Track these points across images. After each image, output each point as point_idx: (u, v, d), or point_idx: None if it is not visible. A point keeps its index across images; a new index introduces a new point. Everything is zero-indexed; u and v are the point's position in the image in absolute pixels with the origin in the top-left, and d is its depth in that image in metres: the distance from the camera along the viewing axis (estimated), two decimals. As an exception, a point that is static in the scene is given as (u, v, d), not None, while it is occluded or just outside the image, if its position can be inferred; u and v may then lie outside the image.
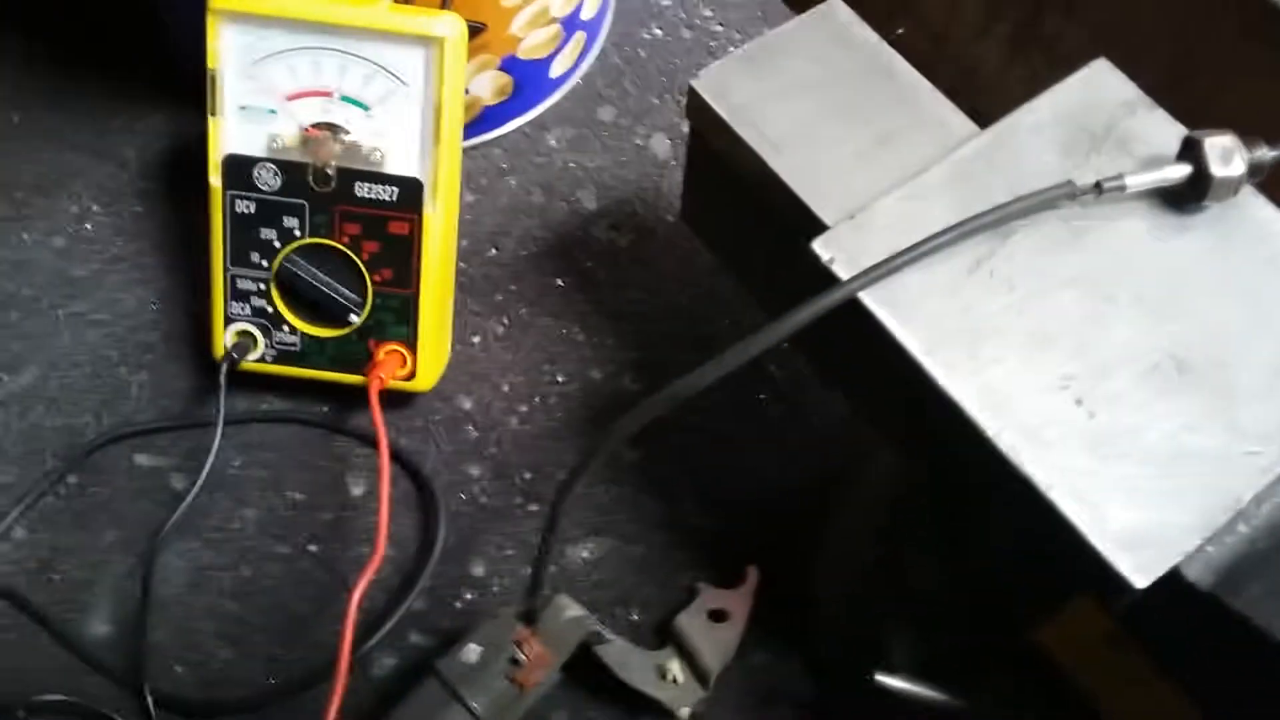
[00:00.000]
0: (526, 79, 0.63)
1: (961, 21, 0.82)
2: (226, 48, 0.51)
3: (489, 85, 0.61)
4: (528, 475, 0.57)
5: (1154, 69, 0.68)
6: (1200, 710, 0.41)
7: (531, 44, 0.61)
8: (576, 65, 0.66)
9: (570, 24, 0.63)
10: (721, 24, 0.70)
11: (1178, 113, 0.68)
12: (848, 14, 0.50)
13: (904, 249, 0.41)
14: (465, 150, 0.64)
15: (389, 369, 0.54)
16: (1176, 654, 0.40)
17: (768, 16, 0.70)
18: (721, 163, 0.49)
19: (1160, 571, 0.36)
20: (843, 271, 0.41)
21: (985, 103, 0.81)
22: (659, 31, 0.70)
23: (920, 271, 0.41)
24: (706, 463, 0.58)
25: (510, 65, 0.61)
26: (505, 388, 0.59)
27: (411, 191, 0.52)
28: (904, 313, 0.41)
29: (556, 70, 0.64)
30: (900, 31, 0.85)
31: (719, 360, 0.41)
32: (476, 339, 0.60)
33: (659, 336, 0.61)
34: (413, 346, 0.54)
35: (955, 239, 0.41)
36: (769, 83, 0.48)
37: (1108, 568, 0.37)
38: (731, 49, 0.69)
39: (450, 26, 0.51)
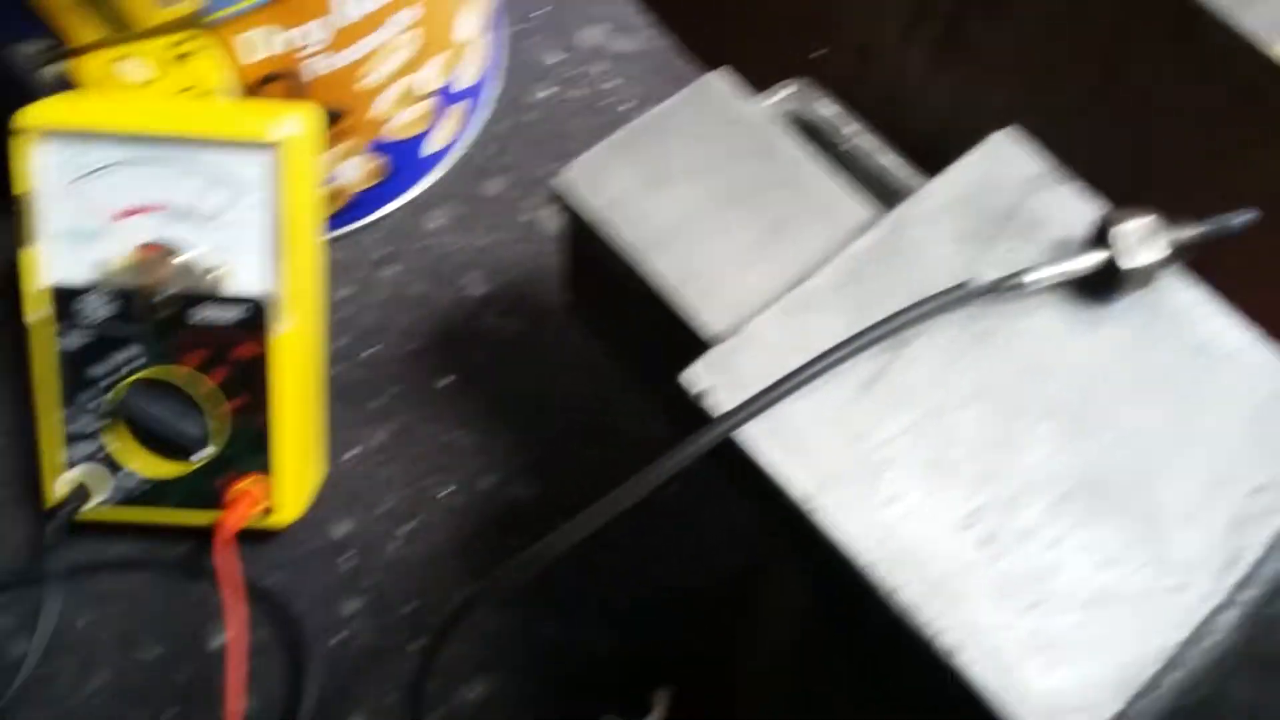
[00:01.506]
0: (400, 159, 0.58)
1: (884, 33, 0.78)
2: (39, 167, 0.46)
3: (358, 170, 0.56)
4: (411, 607, 0.52)
5: (1085, 75, 0.65)
6: None
7: (401, 123, 0.56)
8: (457, 138, 0.61)
9: (446, 97, 0.57)
10: (616, 79, 0.65)
11: (1108, 118, 0.66)
12: (728, 86, 0.45)
13: (785, 375, 0.36)
14: (338, 240, 0.60)
15: (242, 509, 0.48)
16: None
17: (666, 68, 0.65)
18: (598, 265, 0.44)
19: (1086, 741, 0.32)
20: (717, 406, 0.36)
21: (914, 119, 0.78)
22: (549, 92, 0.65)
23: (806, 398, 0.36)
24: (608, 574, 0.53)
25: (380, 147, 0.56)
26: (385, 507, 0.54)
27: (258, 311, 0.47)
28: (787, 449, 0.36)
29: (433, 146, 0.59)
30: (823, 52, 0.82)
31: (584, 516, 0.36)
32: (353, 453, 0.55)
33: (556, 432, 0.56)
34: (271, 478, 0.49)
35: (843, 357, 0.36)
36: (644, 172, 0.43)
37: (1027, 738, 0.32)
38: (623, 108, 0.64)
39: (294, 124, 0.46)
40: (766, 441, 0.36)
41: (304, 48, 0.48)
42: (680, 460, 0.35)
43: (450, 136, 0.61)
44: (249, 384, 0.48)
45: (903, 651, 0.37)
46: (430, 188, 0.61)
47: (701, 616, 0.52)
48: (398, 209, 0.61)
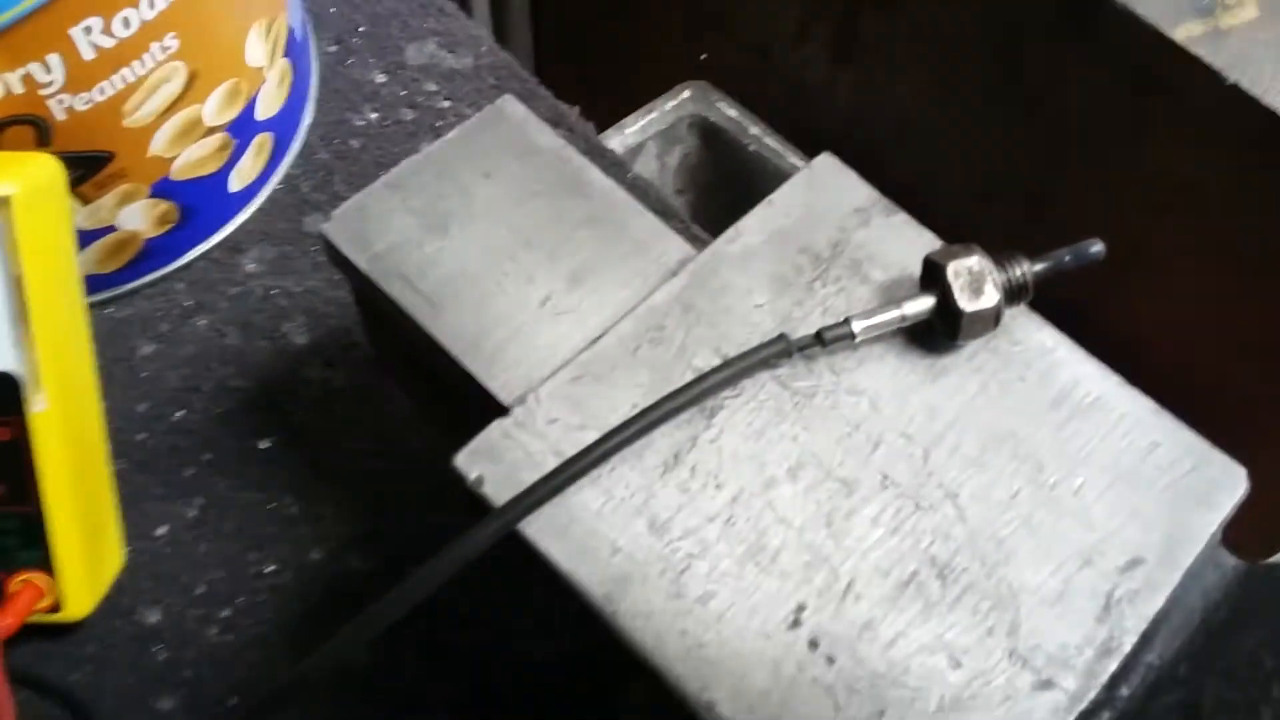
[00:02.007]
0: (197, 200, 0.52)
1: (779, 32, 0.75)
2: None
3: (143, 216, 0.50)
4: (233, 701, 0.46)
5: (981, 65, 0.62)
6: None
7: (189, 161, 0.50)
8: (268, 172, 0.55)
9: (243, 128, 0.51)
10: (449, 98, 0.59)
11: (1009, 112, 0.63)
12: (522, 112, 0.40)
13: (572, 457, 0.31)
14: (139, 291, 0.53)
15: (21, 605, 0.43)
16: None
17: (504, 86, 0.60)
18: (385, 320, 0.38)
19: None
20: (496, 495, 0.31)
21: (816, 118, 0.74)
22: (375, 115, 0.59)
23: (599, 482, 0.31)
24: (464, 656, 0.47)
25: (167, 189, 0.50)
26: (201, 589, 0.48)
27: (7, 389, 0.41)
28: (578, 544, 0.31)
29: (239, 182, 0.53)
30: (704, 57, 0.78)
31: (342, 635, 0.31)
32: (162, 530, 0.49)
33: (391, 496, 0.50)
34: (51, 571, 0.43)
35: (641, 431, 0.31)
36: (426, 215, 0.38)
37: None
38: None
39: (21, 179, 0.40)
40: (553, 539, 0.31)
41: (44, 86, 0.42)
42: (457, 558, 0.30)
43: (258, 171, 0.54)
44: (9, 471, 0.42)
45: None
46: (242, 227, 0.55)
47: (572, 701, 0.46)
48: (205, 253, 0.54)
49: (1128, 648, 0.29)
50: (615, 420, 0.31)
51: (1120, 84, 0.56)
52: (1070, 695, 0.29)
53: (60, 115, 0.44)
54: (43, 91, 0.43)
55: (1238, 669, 0.29)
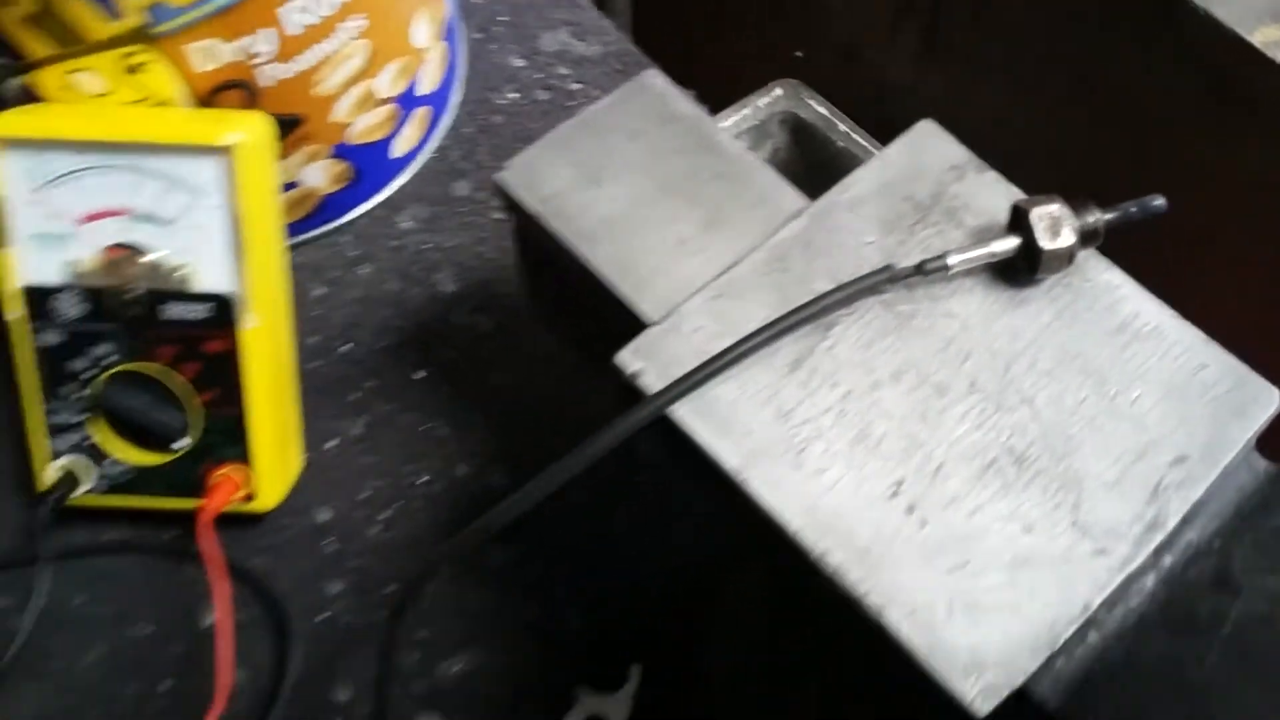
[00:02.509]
0: (367, 162, 0.60)
1: (870, 34, 0.80)
2: (10, 175, 0.48)
3: (324, 174, 0.58)
4: (392, 588, 0.54)
5: (1067, 67, 0.67)
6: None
7: (363, 127, 0.58)
8: (424, 141, 0.63)
9: (407, 101, 0.59)
10: (579, 82, 0.67)
11: (1092, 111, 0.67)
12: (664, 84, 0.47)
13: (713, 356, 0.38)
14: (312, 241, 0.62)
15: (223, 494, 0.51)
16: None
17: (628, 71, 0.67)
18: (545, 257, 0.45)
19: (1003, 695, 0.34)
20: (651, 385, 0.38)
21: (901, 117, 0.80)
22: (514, 95, 0.66)
23: (735, 377, 0.38)
24: (583, 557, 0.54)
25: (345, 151, 0.58)
26: (365, 494, 0.56)
27: (224, 308, 0.49)
28: (719, 425, 0.38)
29: (400, 149, 0.61)
30: (800, 55, 0.84)
31: (529, 488, 0.38)
32: (333, 443, 0.57)
33: (528, 424, 0.58)
34: (249, 466, 0.51)
35: (770, 338, 0.38)
36: (583, 168, 0.45)
37: (949, 693, 0.34)
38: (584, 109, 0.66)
39: (243, 131, 0.48)
40: (698, 420, 0.38)
41: (254, 57, 0.50)
42: (614, 437, 0.37)
43: (416, 140, 0.62)
44: (221, 377, 0.50)
45: (843, 622, 0.39)
46: (400, 189, 0.63)
47: (671, 600, 0.53)
48: (369, 210, 0.63)
49: (1171, 525, 0.35)
50: (748, 329, 0.38)
51: (1198, 86, 0.60)
52: (1121, 560, 0.35)
53: (265, 82, 0.52)
54: (254, 61, 0.51)
55: (1263, 542, 0.35)
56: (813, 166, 0.75)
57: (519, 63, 0.67)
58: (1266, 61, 0.56)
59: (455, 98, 0.65)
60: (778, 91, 0.62)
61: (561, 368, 0.59)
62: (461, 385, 0.59)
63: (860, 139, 0.72)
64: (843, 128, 0.63)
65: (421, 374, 0.59)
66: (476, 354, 0.59)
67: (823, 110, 0.63)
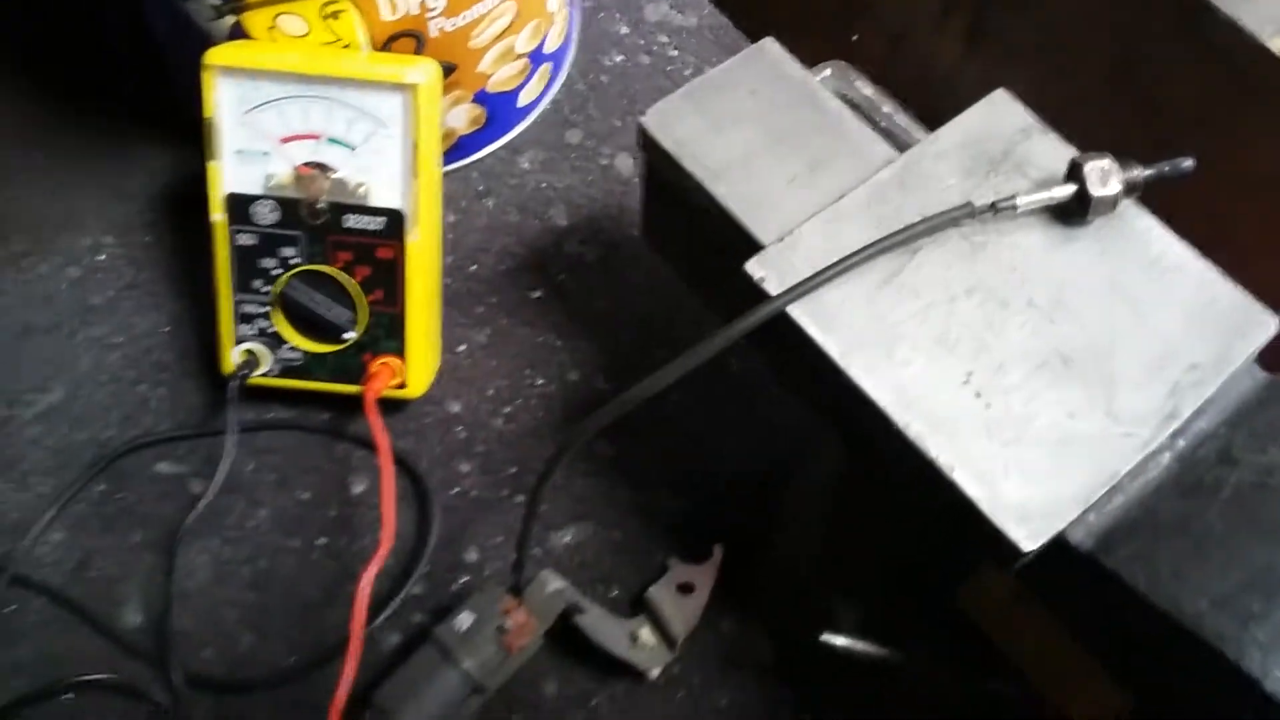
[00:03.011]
0: (498, 109, 0.69)
1: (919, 20, 0.86)
2: (221, 98, 0.57)
3: (463, 117, 0.67)
4: (513, 470, 0.63)
5: (1099, 60, 0.73)
6: (1094, 658, 0.47)
7: (501, 78, 0.67)
8: (544, 93, 0.72)
9: (536, 57, 0.68)
10: (677, 49, 0.76)
11: (1121, 103, 0.73)
12: (779, 51, 0.56)
13: (824, 267, 0.47)
14: (445, 175, 0.71)
15: (383, 380, 0.60)
16: (1069, 608, 0.47)
17: (720, 40, 0.76)
18: (671, 190, 0.55)
19: (1046, 537, 0.43)
20: (772, 288, 0.47)
21: (943, 101, 0.85)
22: (620, 58, 0.76)
23: (840, 286, 0.47)
24: (676, 452, 0.64)
25: (482, 98, 0.67)
26: (490, 392, 0.65)
27: (395, 221, 0.58)
28: (825, 322, 0.47)
29: (525, 99, 0.70)
30: (855, 38, 0.91)
31: (665, 369, 0.47)
32: (462, 348, 0.66)
33: (627, 341, 0.67)
34: (403, 358, 0.60)
35: (869, 257, 0.47)
36: (710, 117, 0.54)
37: (1002, 536, 0.43)
38: (687, 73, 0.75)
39: (423, 73, 0.57)
40: (811, 318, 0.47)
41: (428, 11, 0.59)
42: (743, 328, 0.46)
43: (538, 92, 0.71)
44: (386, 280, 0.59)
45: (909, 485, 0.48)
46: (521, 134, 0.72)
47: (750, 490, 0.63)
48: (495, 151, 0.72)
49: (1185, 415, 0.45)
50: (852, 249, 0.48)
51: (1224, 84, 0.65)
52: (1144, 440, 0.44)
53: (433, 33, 0.61)
54: (428, 15, 0.60)
55: (1257, 430, 0.44)
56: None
57: (624, 30, 0.77)
58: (1282, 65, 0.63)
59: (570, 58, 0.74)
60: (827, 71, 0.66)
61: (656, 296, 0.68)
62: (571, 305, 0.68)
63: (902, 121, 0.77)
64: (886, 109, 0.67)
65: (537, 294, 0.68)
66: (584, 279, 0.69)
67: (869, 92, 0.67)
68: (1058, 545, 0.43)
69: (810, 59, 0.73)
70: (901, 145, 0.66)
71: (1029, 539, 0.43)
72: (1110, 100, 0.73)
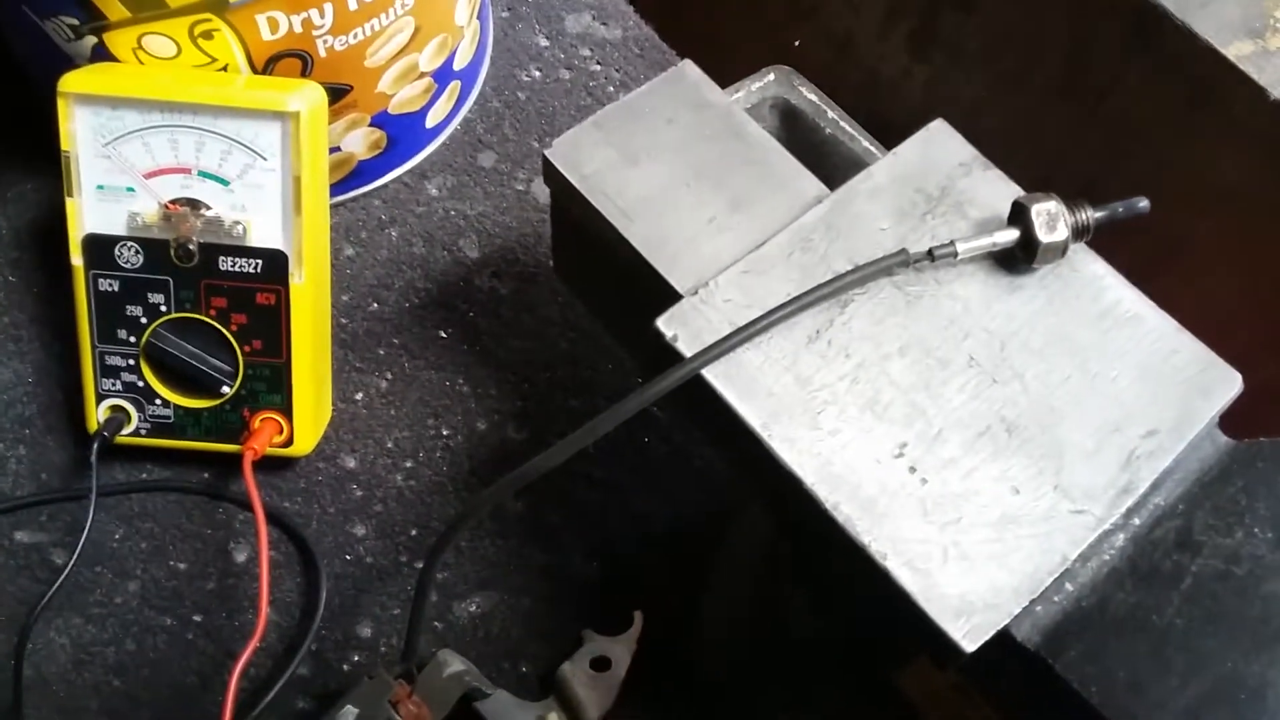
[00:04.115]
0: (401, 132, 0.63)
1: (863, 25, 0.83)
2: (80, 129, 0.51)
3: (361, 141, 0.62)
4: (414, 532, 0.58)
5: (1050, 67, 0.69)
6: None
7: (403, 99, 0.61)
8: (453, 113, 0.67)
9: (443, 75, 0.63)
10: (600, 63, 0.71)
11: (1072, 111, 0.70)
12: (698, 75, 0.51)
13: (742, 325, 0.42)
14: (343, 204, 0.65)
15: (264, 438, 0.54)
16: (1013, 705, 0.42)
17: (646, 55, 0.71)
18: (581, 228, 0.49)
19: (987, 636, 0.38)
20: (686, 349, 0.42)
21: (889, 108, 0.81)
22: (537, 74, 0.70)
23: (760, 346, 0.42)
24: (593, 510, 0.59)
25: (382, 121, 0.61)
26: (390, 444, 0.60)
27: (276, 263, 0.52)
28: (744, 387, 0.42)
29: (432, 120, 0.65)
30: (797, 44, 0.87)
31: (568, 440, 0.42)
32: (360, 396, 0.61)
33: (543, 384, 0.62)
34: (288, 413, 0.55)
35: (792, 312, 0.42)
36: (623, 148, 0.49)
37: (940, 633, 0.38)
38: (610, 89, 0.70)
39: (304, 99, 0.51)
40: (727, 382, 0.42)
41: (313, 29, 0.53)
42: (653, 394, 0.41)
43: (447, 112, 0.66)
44: (268, 329, 0.53)
45: (843, 568, 0.43)
46: (429, 158, 0.67)
47: (675, 550, 0.57)
48: (399, 177, 0.66)
49: (1141, 490, 0.40)
50: (773, 303, 0.42)
51: (1176, 93, 0.62)
52: (1097, 519, 0.40)
53: (322, 52, 0.55)
54: (314, 32, 0.54)
55: (1220, 506, 0.40)
56: (801, 152, 0.78)
57: (543, 42, 0.71)
58: (1241, 75, 0.60)
59: (483, 73, 0.69)
60: (770, 77, 0.64)
61: (575, 333, 0.63)
62: (481, 345, 0.62)
63: (848, 127, 0.74)
64: (832, 115, 0.64)
65: (444, 334, 0.63)
66: (496, 316, 0.63)
67: (813, 97, 0.64)
68: (1002, 640, 0.39)
69: (751, 66, 0.71)
70: (842, 157, 0.62)
71: (969, 638, 0.38)
72: (1059, 109, 0.71)
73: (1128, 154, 0.69)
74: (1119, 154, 0.69)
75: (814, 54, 0.85)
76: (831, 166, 0.59)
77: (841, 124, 0.64)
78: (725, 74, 0.78)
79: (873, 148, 0.62)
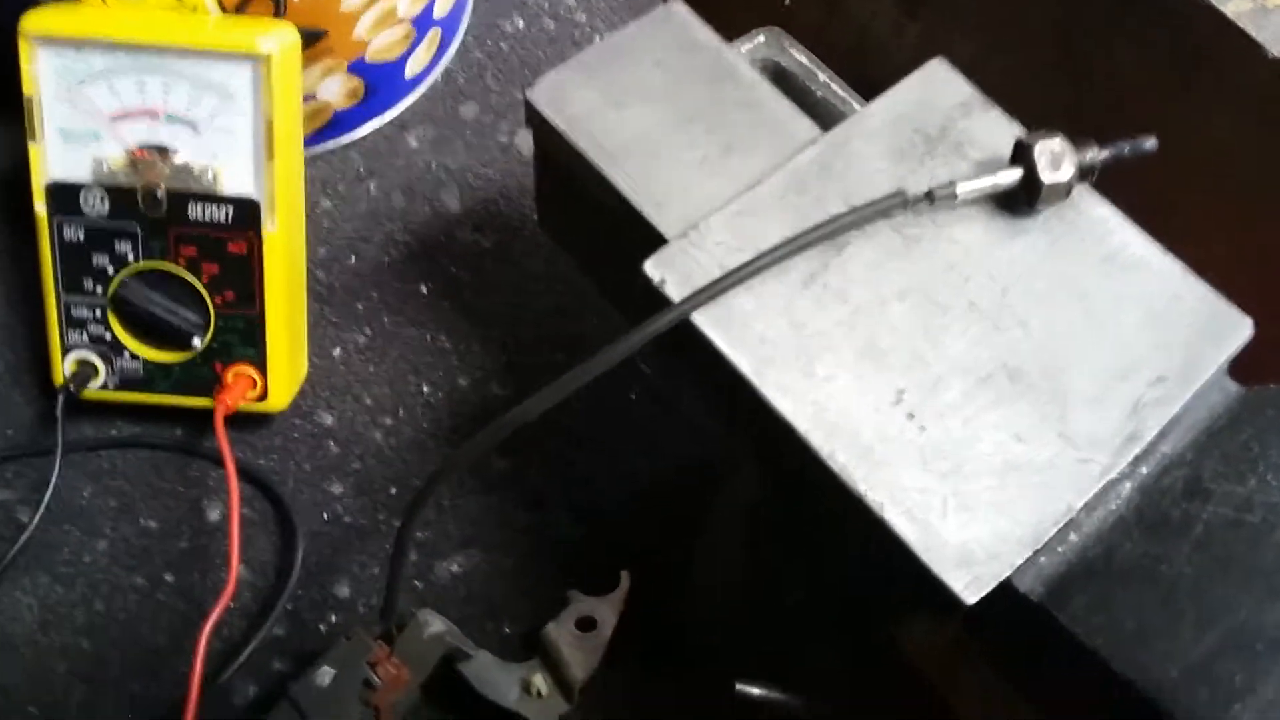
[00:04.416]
0: (379, 81, 0.61)
1: None
2: (43, 71, 0.49)
3: (338, 89, 0.60)
4: (393, 490, 0.56)
5: (1040, 25, 0.68)
6: (1038, 714, 0.41)
7: (380, 45, 0.59)
8: (434, 63, 0.64)
9: (423, 22, 0.61)
10: (585, 13, 0.69)
11: (1065, 74, 0.69)
12: (687, 14, 0.49)
13: (734, 268, 0.40)
14: (321, 155, 0.63)
15: (237, 392, 0.52)
16: (1014, 659, 0.41)
17: (633, 3, 0.69)
18: (565, 174, 0.47)
19: (989, 587, 0.36)
20: (674, 293, 0.41)
21: (880, 69, 0.80)
22: (521, 24, 0.68)
23: (753, 289, 0.41)
24: (578, 468, 0.57)
25: (359, 68, 0.59)
26: (368, 401, 0.58)
27: (248, 211, 0.50)
28: (736, 333, 0.40)
29: (412, 69, 0.63)
30: (788, 3, 0.85)
31: (550, 387, 0.40)
32: (337, 351, 0.59)
33: (527, 339, 0.60)
34: (262, 367, 0.53)
35: (786, 255, 0.41)
36: (608, 90, 0.47)
37: (941, 584, 0.37)
38: (596, 39, 0.67)
39: (277, 40, 0.49)
40: (718, 327, 0.40)
41: (289, -33, 0.51)
42: (641, 338, 0.39)
43: (427, 61, 0.64)
44: (240, 279, 0.51)
45: (838, 521, 0.42)
46: (409, 109, 0.65)
47: (663, 508, 0.56)
48: (378, 128, 0.64)
49: (1148, 438, 0.39)
50: (766, 245, 0.41)
51: (1170, 54, 0.60)
52: (1102, 468, 0.38)
53: (294, -6, 0.53)
54: (285, -29, 0.52)
55: (1230, 454, 0.38)
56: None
57: (527, -9, 0.69)
58: (1238, 32, 0.59)
59: (464, 22, 0.67)
60: (760, 38, 0.62)
61: (561, 286, 0.61)
62: (463, 300, 0.61)
63: (839, 89, 0.73)
64: (822, 77, 0.63)
65: (425, 288, 0.61)
66: (478, 271, 0.61)
67: (803, 59, 0.63)
68: (1004, 591, 0.37)
69: (741, 26, 0.70)
70: (834, 119, 0.61)
71: (970, 589, 0.36)
72: (1053, 68, 0.69)
73: (1119, 117, 0.67)
74: (1110, 116, 0.68)
75: (806, 15, 0.83)
76: (823, 129, 0.57)
77: (833, 86, 0.62)
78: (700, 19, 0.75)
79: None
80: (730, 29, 0.75)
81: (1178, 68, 0.62)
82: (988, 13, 0.73)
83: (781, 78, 0.74)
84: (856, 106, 0.74)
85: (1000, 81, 0.76)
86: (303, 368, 0.56)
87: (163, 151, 0.50)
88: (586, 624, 0.52)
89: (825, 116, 0.74)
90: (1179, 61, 0.61)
